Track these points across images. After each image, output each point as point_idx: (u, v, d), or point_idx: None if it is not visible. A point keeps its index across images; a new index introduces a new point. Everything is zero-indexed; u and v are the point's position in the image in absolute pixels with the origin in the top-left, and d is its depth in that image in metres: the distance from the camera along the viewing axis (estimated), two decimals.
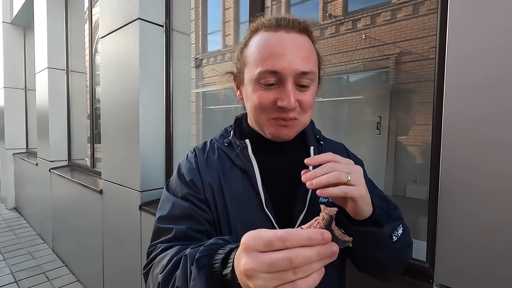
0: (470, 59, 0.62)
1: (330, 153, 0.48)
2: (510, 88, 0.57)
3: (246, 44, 0.57)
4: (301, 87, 0.53)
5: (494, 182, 0.60)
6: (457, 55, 0.64)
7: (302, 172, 0.48)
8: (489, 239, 0.61)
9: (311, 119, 0.62)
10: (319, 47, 0.59)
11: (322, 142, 0.64)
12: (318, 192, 0.44)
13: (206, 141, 0.67)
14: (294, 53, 0.51)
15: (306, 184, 0.44)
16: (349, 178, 0.45)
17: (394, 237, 0.52)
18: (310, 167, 0.55)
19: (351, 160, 0.49)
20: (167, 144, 1.79)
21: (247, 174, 0.57)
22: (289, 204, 0.57)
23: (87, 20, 2.88)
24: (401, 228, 0.53)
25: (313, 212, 0.55)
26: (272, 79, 0.51)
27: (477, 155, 0.62)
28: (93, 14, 2.74)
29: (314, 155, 0.60)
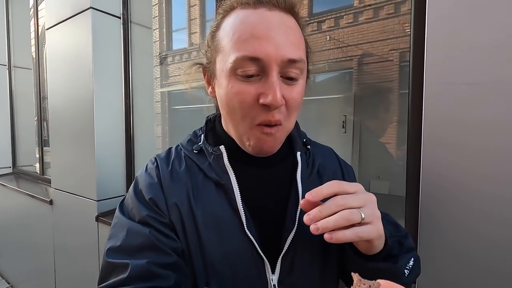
0: (451, 55, 0.60)
1: (336, 181, 0.39)
2: (491, 85, 0.56)
3: (218, 27, 0.46)
4: (288, 79, 0.42)
5: (482, 182, 0.59)
6: (437, 52, 0.62)
7: (301, 205, 0.39)
8: (476, 243, 0.60)
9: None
10: None
11: (309, 147, 0.56)
12: (326, 237, 0.36)
13: (170, 148, 0.54)
14: (280, 35, 0.41)
15: (310, 227, 0.36)
16: (363, 216, 0.36)
17: (406, 271, 0.44)
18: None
19: (360, 185, 0.41)
20: (128, 147, 1.63)
21: (223, 189, 0.47)
22: (276, 223, 0.48)
23: (33, 8, 2.57)
24: (413, 259, 0.46)
25: (304, 231, 0.46)
26: (252, 69, 0.41)
27: (461, 154, 0.60)
28: (39, 1, 2.45)
29: (301, 161, 0.52)
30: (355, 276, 0.25)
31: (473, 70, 0.58)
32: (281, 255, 0.46)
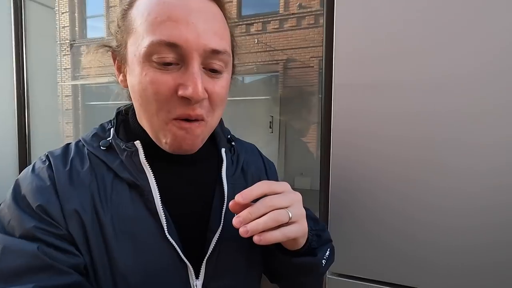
0: (356, 61, 0.68)
1: (265, 182, 0.40)
2: (390, 86, 0.65)
3: (131, 5, 0.40)
4: (211, 71, 0.40)
5: (386, 176, 0.67)
6: (343, 58, 0.69)
7: (230, 207, 0.38)
8: (377, 226, 0.68)
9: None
10: None
11: (233, 143, 0.55)
12: (255, 239, 0.36)
13: (68, 144, 0.46)
14: (202, 22, 0.37)
15: (240, 230, 0.35)
16: (290, 216, 0.38)
17: (323, 261, 0.48)
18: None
19: (287, 184, 0.41)
20: (22, 147, 1.36)
21: (139, 191, 0.41)
22: (199, 225, 0.45)
23: None
24: (329, 250, 0.50)
25: (230, 231, 0.43)
26: (170, 56, 0.36)
27: (364, 148, 0.68)
28: None
29: (226, 158, 0.50)
30: None
31: (373, 74, 0.67)
32: (206, 258, 0.43)
